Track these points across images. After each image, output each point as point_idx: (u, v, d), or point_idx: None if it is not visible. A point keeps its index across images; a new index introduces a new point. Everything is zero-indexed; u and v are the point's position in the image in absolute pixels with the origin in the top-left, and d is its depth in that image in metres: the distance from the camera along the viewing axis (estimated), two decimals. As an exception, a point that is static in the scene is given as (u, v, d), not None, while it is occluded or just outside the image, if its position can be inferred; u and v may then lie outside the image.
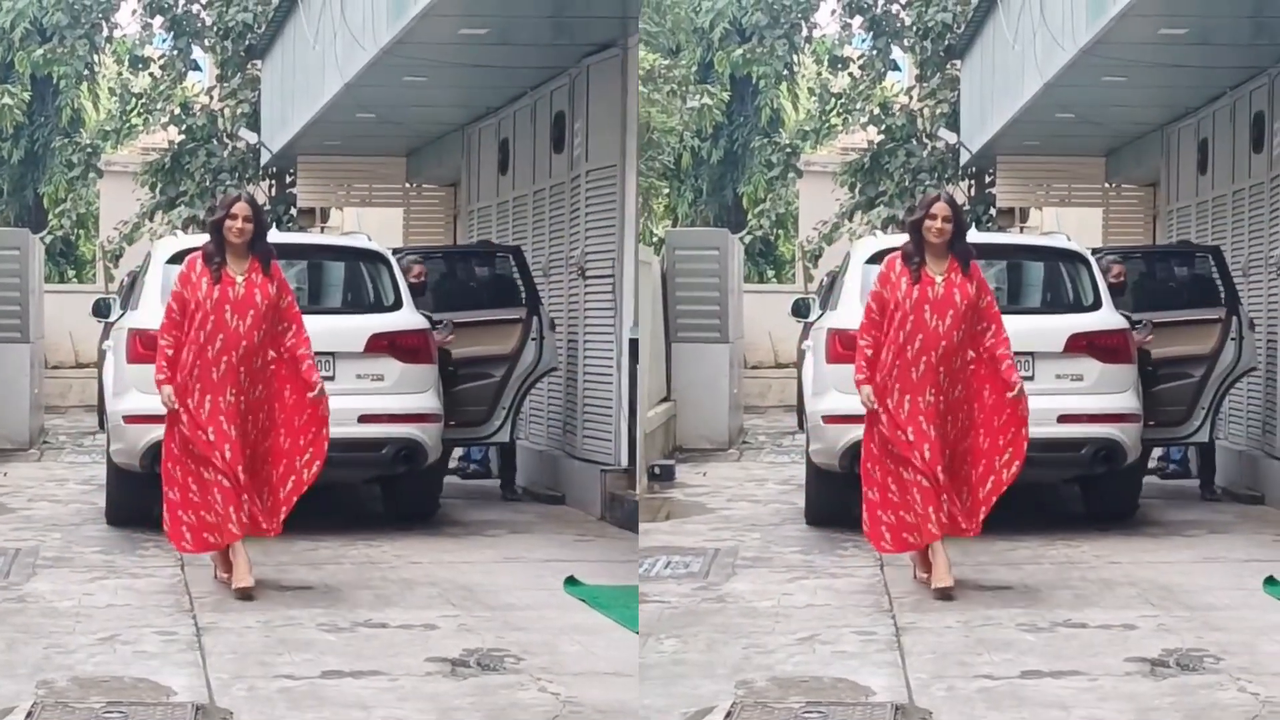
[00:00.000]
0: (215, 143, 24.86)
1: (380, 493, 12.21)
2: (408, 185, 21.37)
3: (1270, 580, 9.44)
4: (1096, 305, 11.60)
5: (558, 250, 14.18)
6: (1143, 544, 10.96)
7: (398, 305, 11.87)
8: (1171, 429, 12.51)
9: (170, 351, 9.44)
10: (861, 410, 11.15)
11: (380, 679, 7.42)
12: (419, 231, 21.07)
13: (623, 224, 12.93)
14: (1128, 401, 11.36)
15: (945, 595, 9.02)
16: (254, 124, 23.47)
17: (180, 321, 9.45)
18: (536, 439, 14.26)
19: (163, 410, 11.26)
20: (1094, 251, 12.55)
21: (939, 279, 9.36)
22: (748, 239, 26.12)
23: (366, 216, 22.91)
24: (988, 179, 23.13)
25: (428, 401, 11.60)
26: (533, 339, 12.93)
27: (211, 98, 25.36)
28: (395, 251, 13.00)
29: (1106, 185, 20.86)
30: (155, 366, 9.54)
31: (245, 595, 9.05)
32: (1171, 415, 12.24)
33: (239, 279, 9.43)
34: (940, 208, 9.40)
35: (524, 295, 13.10)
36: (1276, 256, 13.29)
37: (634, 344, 12.38)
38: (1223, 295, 12.72)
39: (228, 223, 9.43)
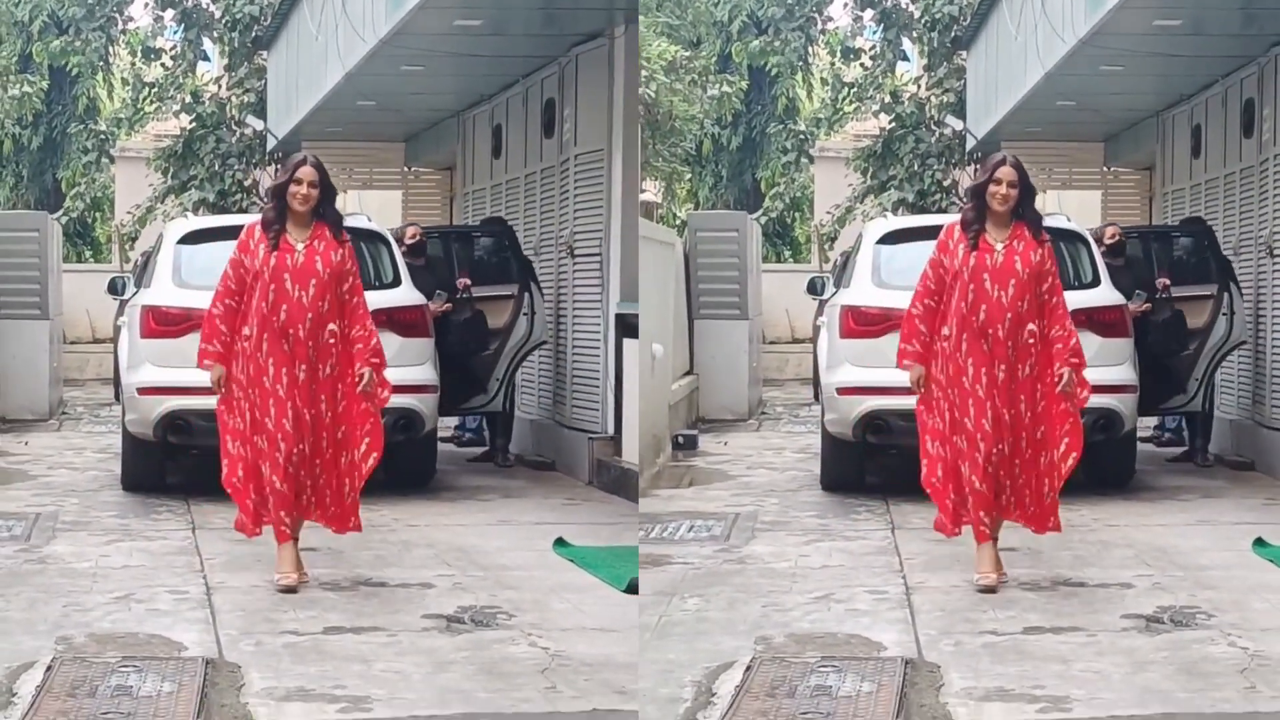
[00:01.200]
0: (224, 129, 24.84)
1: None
2: (406, 169, 21.37)
3: (1259, 542, 9.45)
4: (1095, 282, 11.60)
5: (548, 230, 14.20)
6: (1139, 508, 10.95)
7: (396, 282, 11.89)
8: (1162, 400, 12.58)
9: (221, 325, 8.40)
10: (872, 382, 11.26)
11: (380, 634, 7.46)
12: (417, 212, 21.06)
13: (609, 205, 12.95)
14: (1125, 373, 11.33)
15: (988, 590, 8.23)
16: (260, 111, 23.46)
17: (235, 290, 8.41)
18: (528, 408, 14.28)
19: (174, 383, 11.38)
20: (1109, 224, 12.61)
21: (999, 246, 8.33)
22: (765, 221, 26.19)
23: (367, 199, 22.94)
24: (976, 169, 23.10)
25: (424, 373, 11.64)
26: (524, 314, 12.97)
27: (220, 87, 25.34)
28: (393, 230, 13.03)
29: (1105, 169, 20.89)
30: (202, 337, 8.49)
31: (288, 590, 8.26)
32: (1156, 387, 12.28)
33: (299, 246, 8.35)
34: (1005, 172, 8.33)
35: (516, 272, 13.14)
36: (1265, 236, 13.31)
37: (620, 318, 12.39)
38: (1214, 272, 12.79)
39: (292, 188, 8.34)
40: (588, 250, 13.34)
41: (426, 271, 12.82)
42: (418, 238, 13.06)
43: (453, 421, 14.38)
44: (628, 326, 12.26)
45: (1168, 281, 12.54)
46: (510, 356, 12.94)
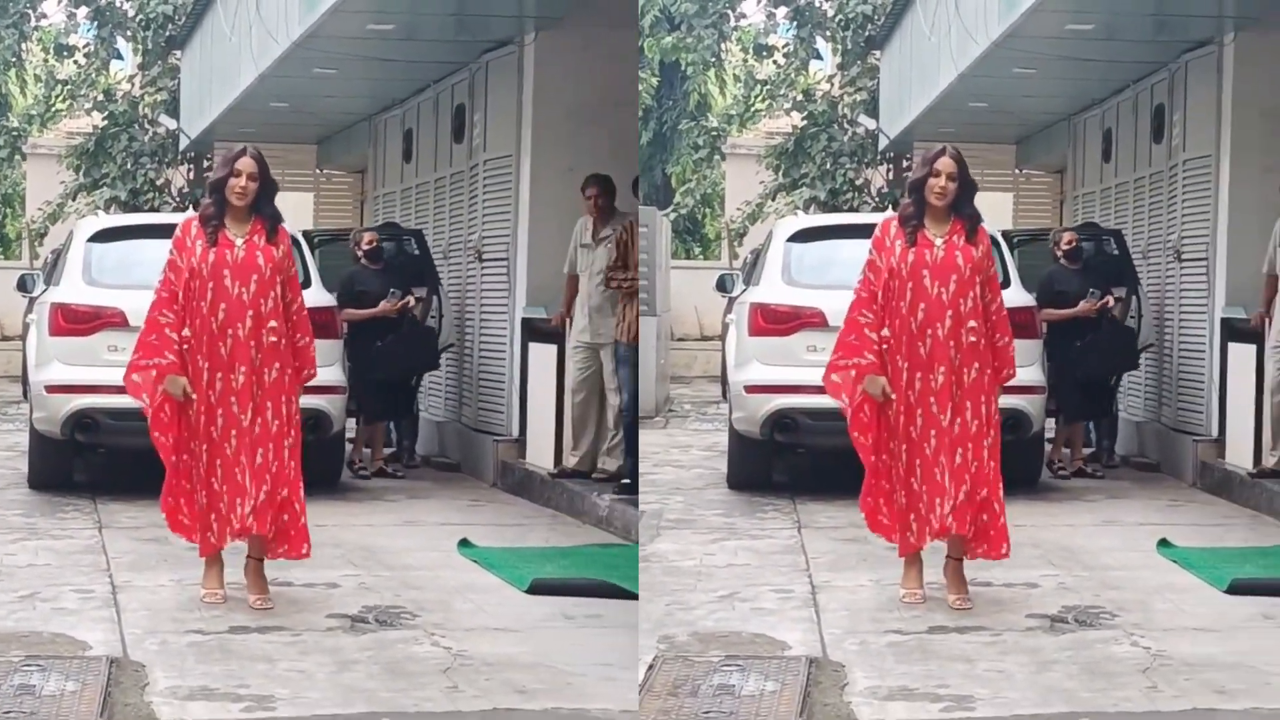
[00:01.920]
0: (136, 128, 24.65)
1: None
2: (318, 171, 21.29)
3: (1163, 542, 9.53)
4: (1006, 284, 11.67)
5: (457, 234, 14.19)
6: (1046, 508, 10.99)
7: (307, 284, 11.84)
8: None
9: (172, 334, 7.84)
10: (780, 380, 11.19)
11: (284, 634, 7.42)
12: (328, 215, 21.01)
13: (517, 210, 12.95)
14: (1033, 374, 11.31)
15: (914, 602, 7.92)
16: (173, 110, 23.30)
17: (176, 293, 7.87)
18: (434, 411, 14.27)
19: (83, 381, 11.29)
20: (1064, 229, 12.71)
21: (939, 241, 7.82)
22: (675, 217, 26.12)
23: (279, 200, 22.76)
24: (905, 163, 23.13)
25: (332, 374, 11.58)
26: (433, 316, 12.97)
27: (133, 85, 25.13)
28: (306, 233, 13.01)
29: (1016, 171, 21.02)
30: (149, 350, 7.87)
31: (215, 601, 7.93)
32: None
33: (238, 241, 7.86)
34: (944, 163, 7.81)
35: (424, 276, 13.16)
36: (1174, 241, 13.47)
37: (526, 322, 12.42)
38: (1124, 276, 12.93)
39: (230, 181, 7.83)
40: (496, 255, 13.34)
41: (385, 275, 12.78)
42: (374, 243, 12.97)
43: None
44: (535, 331, 12.28)
45: (1110, 300, 12.50)
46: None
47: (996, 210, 20.98)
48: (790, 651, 7.12)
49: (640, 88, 26.67)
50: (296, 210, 20.87)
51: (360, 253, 12.91)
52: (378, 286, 12.69)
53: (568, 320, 11.79)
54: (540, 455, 11.97)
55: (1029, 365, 11.41)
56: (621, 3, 11.77)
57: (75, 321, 11.38)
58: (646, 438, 15.20)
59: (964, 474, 7.85)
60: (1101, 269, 12.82)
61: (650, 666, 6.80)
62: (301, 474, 8.09)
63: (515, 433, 12.55)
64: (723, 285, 15.88)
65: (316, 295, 11.75)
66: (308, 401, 11.02)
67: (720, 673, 6.75)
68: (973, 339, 7.85)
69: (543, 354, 12.09)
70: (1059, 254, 12.70)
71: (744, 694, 6.48)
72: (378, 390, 12.64)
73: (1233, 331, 12.18)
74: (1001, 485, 7.98)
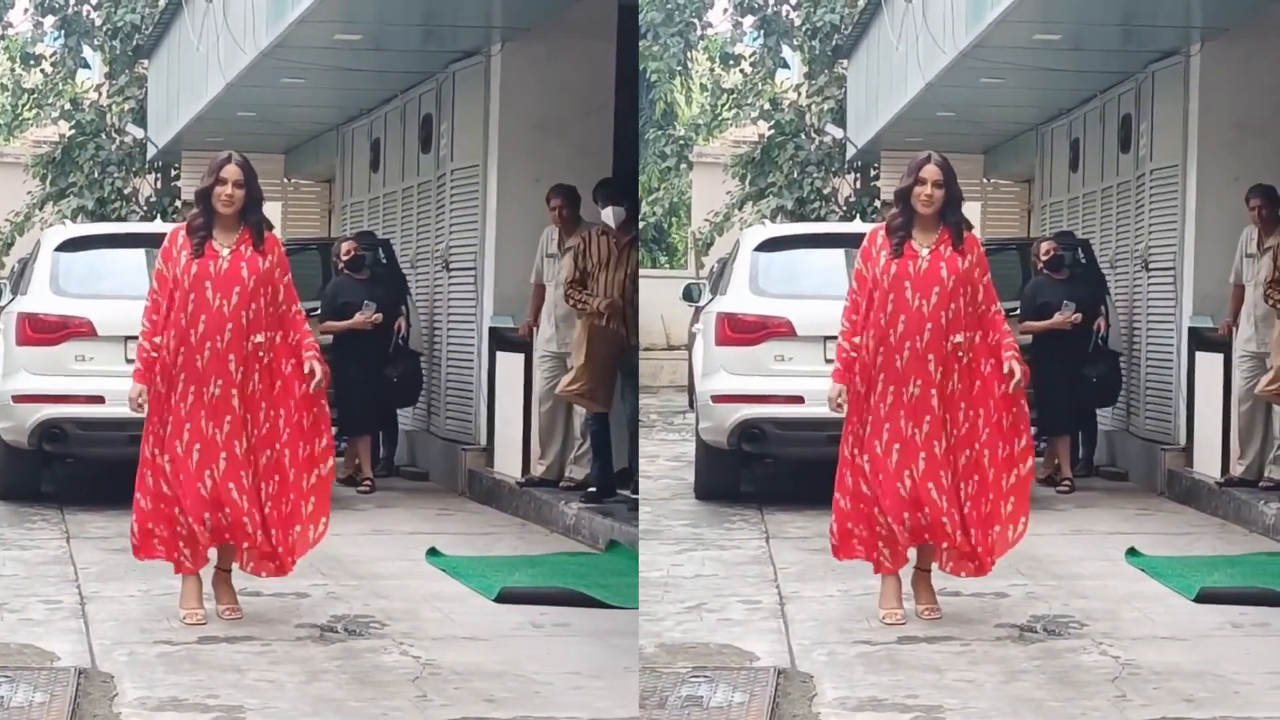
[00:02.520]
0: (104, 137, 24.53)
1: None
2: (285, 181, 21.21)
3: (1132, 551, 9.53)
4: None
5: (424, 244, 14.16)
6: (1015, 517, 11.04)
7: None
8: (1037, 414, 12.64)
9: (145, 342, 7.72)
10: (747, 390, 11.12)
11: (254, 644, 7.39)
12: (296, 224, 20.94)
13: (484, 220, 12.94)
14: None
15: (895, 623, 7.73)
16: (141, 120, 23.21)
17: (161, 303, 7.72)
18: (402, 419, 14.22)
19: (50, 391, 11.23)
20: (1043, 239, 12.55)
21: (924, 252, 7.64)
22: (642, 226, 26.06)
23: (246, 209, 22.67)
24: (873, 172, 23.15)
25: (303, 385, 11.54)
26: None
27: (100, 94, 25.02)
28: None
29: (984, 181, 20.96)
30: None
31: (197, 623, 7.73)
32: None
33: (224, 252, 7.68)
34: (930, 170, 7.63)
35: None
36: (1141, 250, 13.50)
37: (493, 331, 12.40)
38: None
39: (216, 189, 7.65)
40: (463, 264, 13.32)
41: (369, 285, 12.66)
42: (353, 253, 12.83)
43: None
44: (502, 340, 12.27)
45: (1101, 326, 12.43)
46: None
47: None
48: (758, 662, 7.08)
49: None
50: (264, 219, 20.83)
51: (340, 263, 12.81)
52: (361, 297, 12.57)
53: (534, 329, 11.78)
54: (508, 464, 11.95)
55: None
56: (589, 13, 11.75)
57: (42, 331, 11.32)
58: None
59: (956, 490, 7.70)
60: (1088, 280, 12.70)
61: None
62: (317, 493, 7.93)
63: (483, 441, 12.53)
64: (689, 295, 15.84)
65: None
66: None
67: (688, 684, 6.71)
68: (956, 353, 7.65)
69: (510, 363, 12.07)
70: (1040, 264, 12.60)
71: (712, 705, 6.45)
72: (362, 402, 12.53)
73: (1200, 341, 12.19)
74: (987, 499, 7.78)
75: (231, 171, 7.70)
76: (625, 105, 12.37)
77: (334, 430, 11.96)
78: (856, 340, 7.73)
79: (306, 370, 7.78)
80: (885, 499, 7.67)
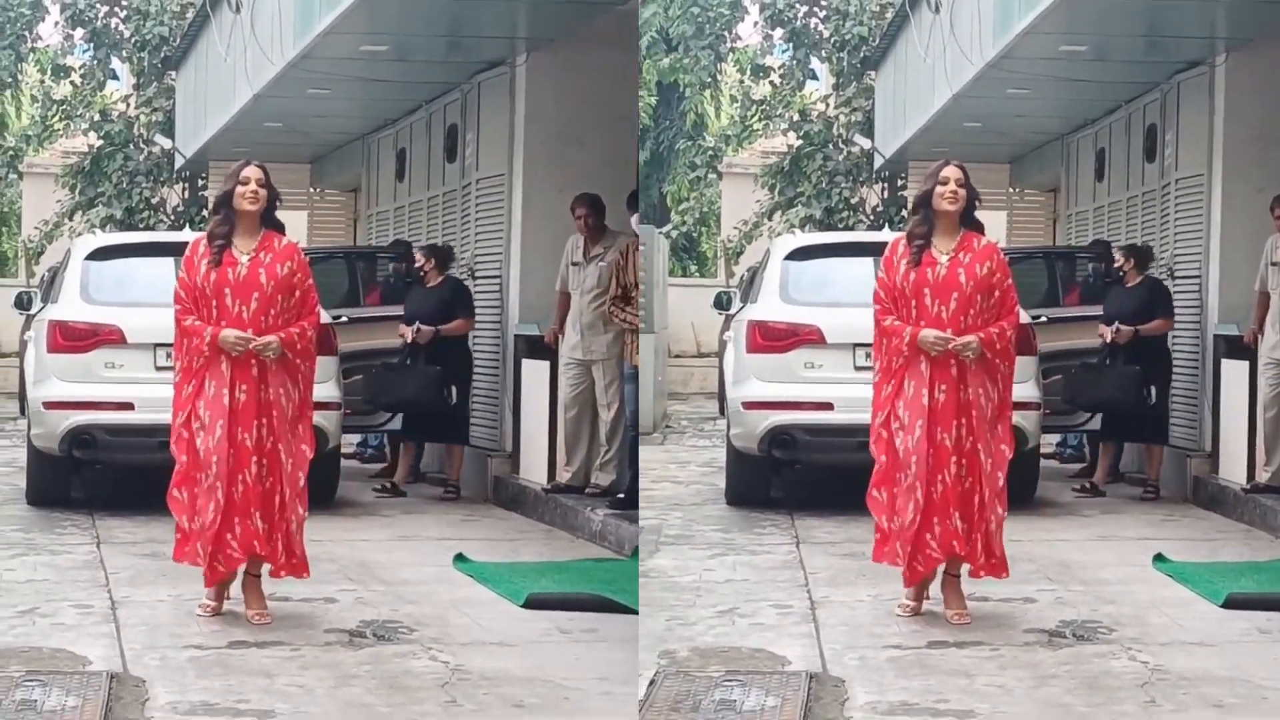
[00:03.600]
0: (132, 147, 24.58)
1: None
2: (312, 190, 21.21)
3: (1159, 557, 9.47)
4: None
5: (450, 252, 14.11)
6: (1042, 523, 10.91)
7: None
8: (1064, 418, 12.56)
9: (198, 322, 7.74)
10: (778, 397, 11.14)
11: (283, 649, 7.35)
12: (322, 233, 20.93)
13: (509, 228, 12.90)
14: (1029, 391, 11.20)
15: (900, 613, 7.88)
16: (168, 130, 23.23)
17: (191, 309, 7.78)
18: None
19: (80, 397, 11.21)
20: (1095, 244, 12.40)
21: (943, 259, 7.69)
22: (673, 235, 26.08)
23: (274, 218, 22.67)
24: (900, 182, 23.14)
25: (329, 391, 11.51)
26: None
27: (129, 105, 25.07)
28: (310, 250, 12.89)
29: (1011, 190, 20.95)
30: (183, 332, 7.79)
31: (201, 614, 7.88)
32: (1060, 405, 12.21)
33: (243, 259, 7.70)
34: (950, 170, 7.74)
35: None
36: (1167, 258, 13.43)
37: (519, 338, 12.36)
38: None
39: (238, 189, 7.68)
40: (488, 272, 13.29)
41: (437, 294, 12.49)
42: (417, 263, 12.71)
43: (355, 439, 14.26)
44: (528, 347, 12.22)
45: (1117, 329, 12.28)
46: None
47: (991, 229, 20.91)
48: (790, 666, 7.06)
49: (639, 106, 26.70)
50: (290, 228, 20.77)
51: (418, 272, 12.65)
52: (420, 305, 12.44)
53: (560, 337, 11.73)
54: (534, 470, 11.90)
55: (1024, 381, 11.33)
56: (612, 24, 11.71)
57: (73, 339, 11.30)
58: (644, 454, 15.12)
59: (973, 495, 7.76)
60: (1159, 293, 12.48)
61: (651, 682, 6.73)
62: (305, 493, 7.99)
63: (509, 448, 12.48)
64: (720, 303, 15.81)
65: (312, 311, 11.67)
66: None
67: (721, 688, 6.68)
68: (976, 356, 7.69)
69: (536, 370, 12.03)
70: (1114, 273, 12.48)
71: (745, 709, 6.41)
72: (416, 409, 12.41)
73: (1226, 348, 12.13)
74: (1001, 505, 7.85)
75: (253, 171, 7.75)
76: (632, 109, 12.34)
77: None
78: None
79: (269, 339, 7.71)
80: (925, 504, 7.70)
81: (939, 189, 7.74)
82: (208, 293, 7.73)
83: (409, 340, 12.42)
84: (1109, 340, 12.24)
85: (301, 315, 7.86)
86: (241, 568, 7.94)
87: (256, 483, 7.77)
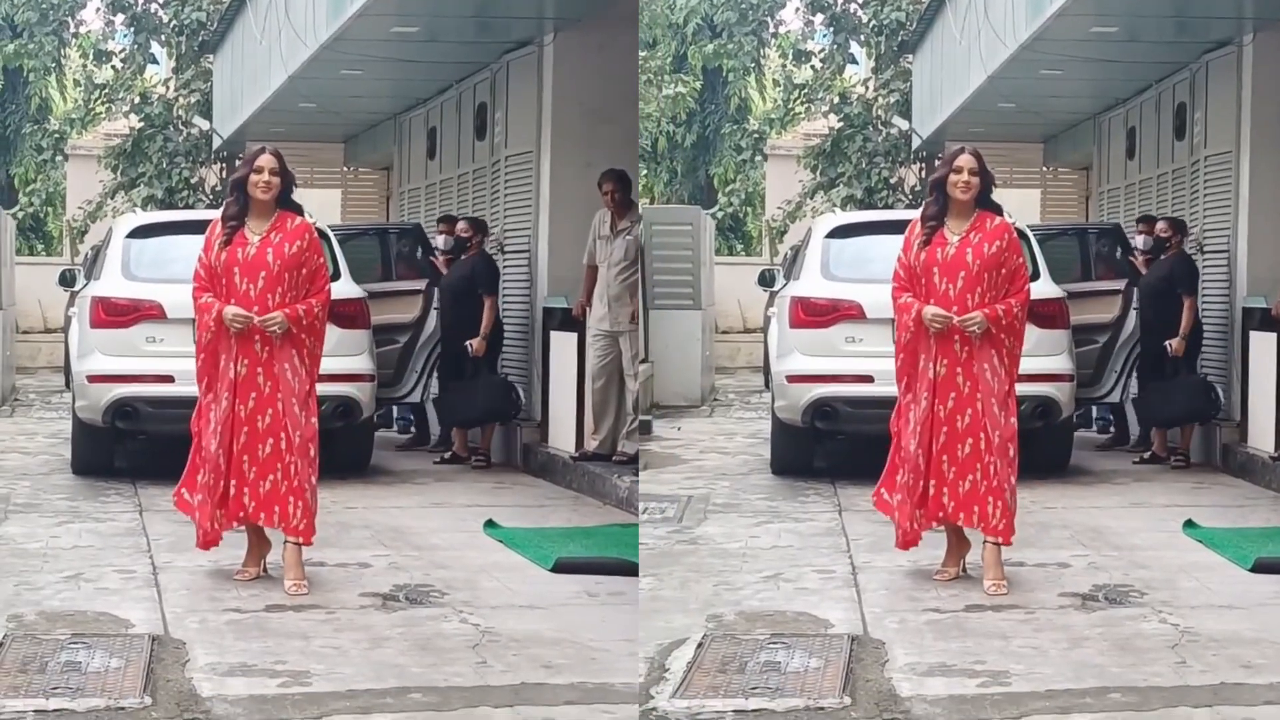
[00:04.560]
0: (171, 129, 24.63)
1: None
2: (345, 169, 21.25)
3: (1189, 523, 9.41)
4: (1035, 276, 11.51)
5: (480, 227, 14.11)
6: (1075, 491, 10.87)
7: (336, 276, 11.78)
8: (1087, 389, 12.49)
9: (211, 299, 7.84)
10: (820, 370, 11.17)
11: (319, 612, 7.33)
12: (355, 211, 20.97)
13: (538, 204, 12.90)
14: (1062, 363, 11.22)
15: (939, 579, 7.91)
16: (206, 112, 23.27)
17: (208, 288, 7.87)
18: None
19: (123, 371, 11.27)
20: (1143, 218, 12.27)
21: (954, 239, 7.77)
22: (719, 216, 26.12)
23: (307, 197, 22.72)
24: (937, 162, 23.04)
25: (362, 363, 11.55)
26: (435, 308, 12.88)
27: (168, 88, 25.12)
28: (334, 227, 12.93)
29: (1044, 169, 20.96)
30: (198, 309, 7.90)
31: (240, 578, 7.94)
32: (1082, 377, 12.12)
33: (254, 239, 7.77)
34: (965, 160, 7.77)
35: (424, 269, 13.15)
36: (1196, 234, 13.37)
37: (547, 311, 12.36)
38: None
39: (252, 178, 7.74)
40: (517, 247, 13.29)
41: (467, 267, 12.41)
42: (464, 233, 12.57)
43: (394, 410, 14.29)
44: (556, 319, 12.23)
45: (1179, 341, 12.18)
46: (426, 349, 12.92)
47: (1025, 206, 20.87)
48: (833, 629, 7.04)
49: (684, 91, 26.71)
50: (324, 206, 20.88)
51: (465, 244, 12.54)
52: (457, 278, 12.38)
53: (587, 309, 11.74)
54: (562, 439, 11.91)
55: (1057, 354, 11.30)
56: (638, 4, 11.69)
57: (115, 314, 11.32)
58: (693, 426, 15.14)
59: (974, 464, 7.79)
60: (1187, 267, 12.36)
61: (700, 644, 6.72)
62: (317, 461, 7.92)
63: (538, 417, 12.50)
64: (764, 280, 15.79)
65: (345, 288, 11.68)
66: (338, 389, 11.08)
67: (766, 650, 6.68)
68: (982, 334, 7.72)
69: (564, 342, 12.02)
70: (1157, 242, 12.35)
71: (789, 670, 6.40)
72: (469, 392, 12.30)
73: (1254, 320, 12.06)
74: (1012, 474, 7.79)
75: (267, 160, 7.78)
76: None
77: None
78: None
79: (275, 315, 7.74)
80: (928, 471, 7.83)
81: (953, 177, 7.80)
82: (219, 272, 7.80)
83: (474, 354, 12.34)
84: (1172, 353, 12.19)
85: (311, 293, 7.86)
86: (285, 538, 7.89)
87: (242, 451, 7.79)
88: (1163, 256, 12.44)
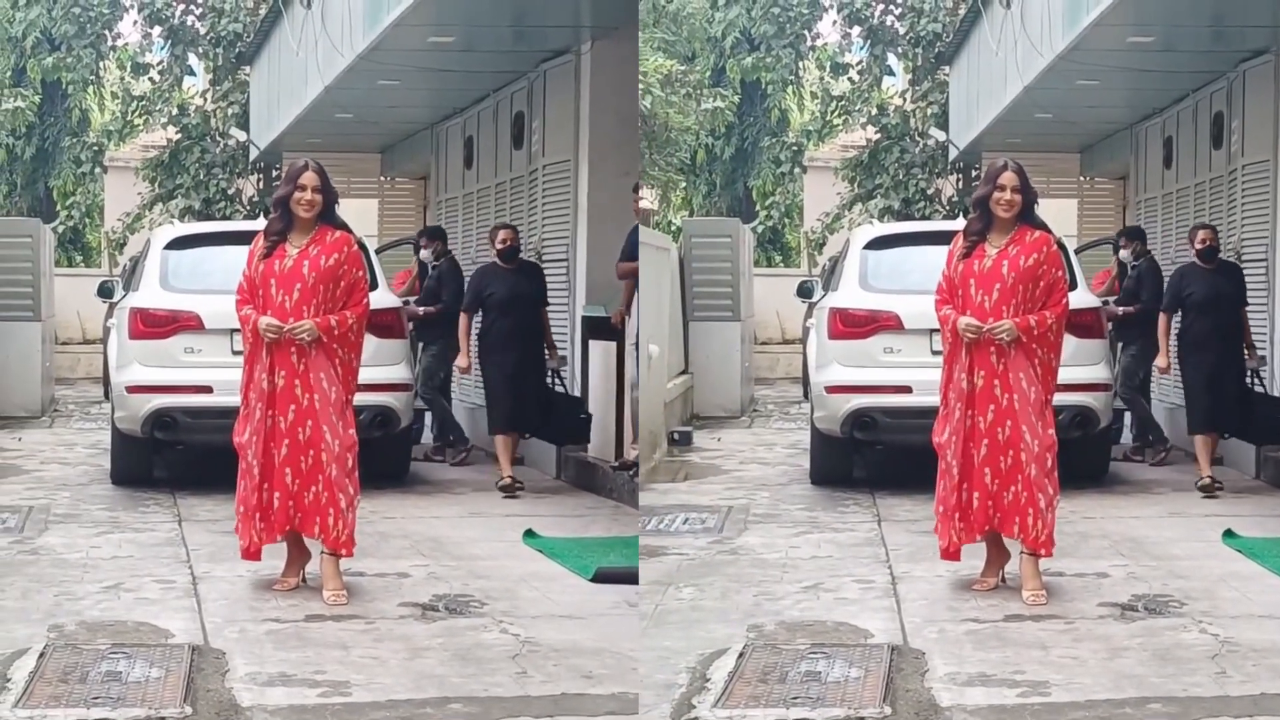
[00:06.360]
0: (209, 140, 24.71)
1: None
2: (382, 179, 21.26)
3: (1228, 533, 9.37)
4: (1073, 286, 11.46)
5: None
6: (1114, 501, 10.83)
7: (373, 287, 11.78)
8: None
9: (250, 310, 7.91)
10: (859, 381, 11.15)
11: (358, 622, 7.33)
12: (392, 221, 20.99)
13: (575, 213, 12.88)
14: (1100, 373, 11.20)
15: (978, 589, 7.94)
16: (243, 123, 23.33)
17: (249, 299, 7.95)
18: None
19: (161, 381, 11.28)
20: (1200, 226, 12.03)
21: (992, 252, 7.83)
22: (759, 228, 26.15)
23: (344, 207, 22.72)
24: (974, 173, 23.09)
25: (400, 373, 11.56)
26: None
27: (205, 100, 25.20)
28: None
29: (1081, 179, 20.86)
30: (241, 321, 7.99)
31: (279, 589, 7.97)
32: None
33: (292, 252, 7.82)
34: (1008, 177, 7.80)
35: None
36: (1234, 242, 13.30)
37: (586, 320, 12.34)
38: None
39: (296, 195, 7.81)
40: (555, 256, 13.28)
41: (516, 277, 11.94)
42: (509, 242, 12.01)
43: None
44: (594, 328, 12.21)
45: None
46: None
47: (1062, 216, 20.79)
48: (873, 639, 7.04)
49: (723, 105, 26.76)
50: (362, 216, 20.90)
51: (495, 250, 12.07)
52: (505, 290, 11.88)
53: (626, 318, 11.71)
54: (602, 448, 11.89)
55: (1095, 364, 11.25)
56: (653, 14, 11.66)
57: (153, 325, 11.35)
58: (733, 436, 15.11)
59: (1015, 475, 7.83)
60: (1234, 275, 11.96)
61: (741, 654, 6.72)
62: (356, 471, 7.93)
63: (577, 427, 12.46)
64: (803, 291, 15.77)
65: (383, 297, 11.69)
66: (376, 399, 11.08)
67: (807, 660, 6.68)
68: (1018, 345, 7.77)
69: (603, 351, 12.01)
70: (1195, 251, 11.84)
71: (829, 680, 6.39)
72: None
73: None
74: (1050, 484, 7.80)
75: (310, 178, 7.83)
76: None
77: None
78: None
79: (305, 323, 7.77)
80: (967, 482, 7.90)
81: (996, 194, 7.84)
82: (257, 283, 7.88)
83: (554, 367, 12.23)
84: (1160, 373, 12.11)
85: (348, 306, 7.88)
86: (322, 549, 7.92)
87: (284, 463, 7.82)
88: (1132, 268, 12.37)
